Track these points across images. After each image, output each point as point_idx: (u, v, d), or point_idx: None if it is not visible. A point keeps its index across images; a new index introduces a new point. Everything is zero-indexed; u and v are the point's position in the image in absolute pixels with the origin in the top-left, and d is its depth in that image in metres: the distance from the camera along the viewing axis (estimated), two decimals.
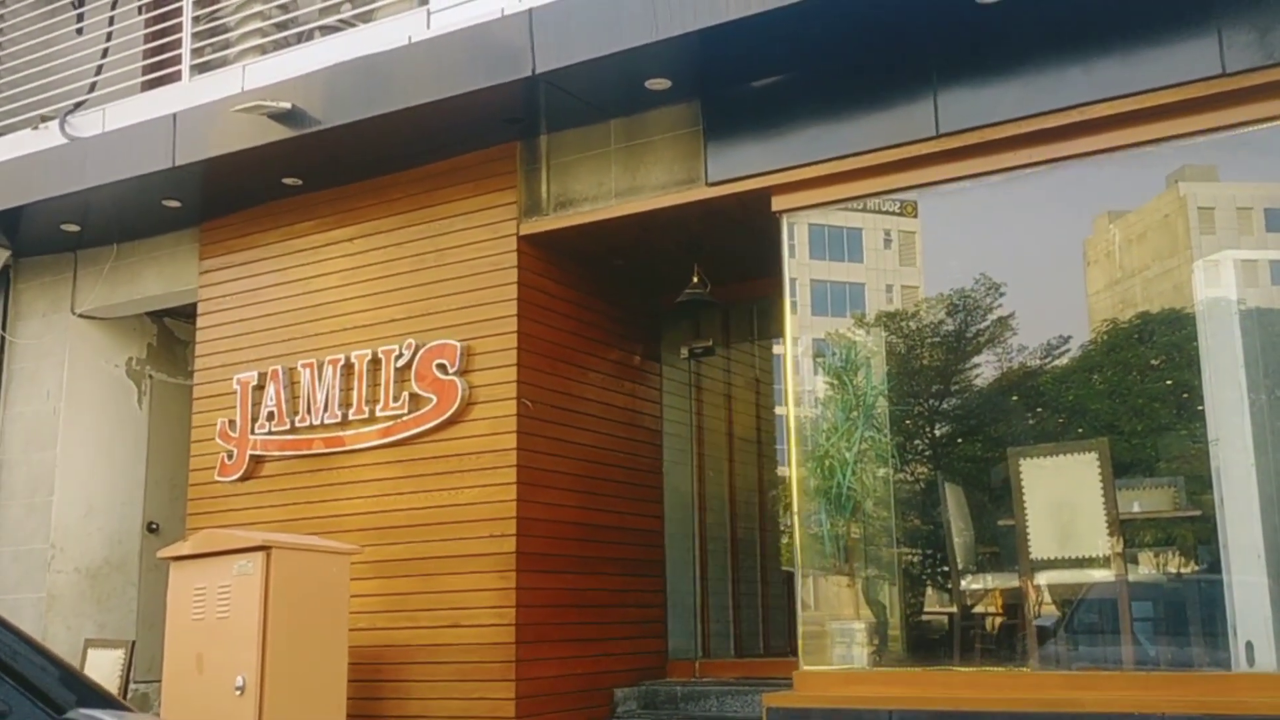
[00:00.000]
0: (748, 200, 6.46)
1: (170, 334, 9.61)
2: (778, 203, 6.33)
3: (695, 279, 7.57)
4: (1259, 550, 5.16)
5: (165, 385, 9.48)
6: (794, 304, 6.57)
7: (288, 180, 7.69)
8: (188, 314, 9.25)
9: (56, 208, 8.14)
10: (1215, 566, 5.37)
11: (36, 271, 9.18)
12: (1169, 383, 7.32)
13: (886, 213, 6.91)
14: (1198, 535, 5.93)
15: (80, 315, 8.97)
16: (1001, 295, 7.26)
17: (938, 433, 7.74)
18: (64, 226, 8.42)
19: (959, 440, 7.95)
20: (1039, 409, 7.60)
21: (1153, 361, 7.16)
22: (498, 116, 6.86)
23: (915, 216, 6.91)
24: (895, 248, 7.42)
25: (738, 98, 6.44)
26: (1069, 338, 7.32)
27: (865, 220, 7.15)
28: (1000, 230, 6.62)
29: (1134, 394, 7.25)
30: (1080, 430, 7.06)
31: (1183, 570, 6.18)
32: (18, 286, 9.24)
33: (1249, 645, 5.11)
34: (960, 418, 7.89)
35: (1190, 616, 5.66)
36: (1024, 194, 6.13)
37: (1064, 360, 7.32)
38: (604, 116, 6.84)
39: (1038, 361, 7.41)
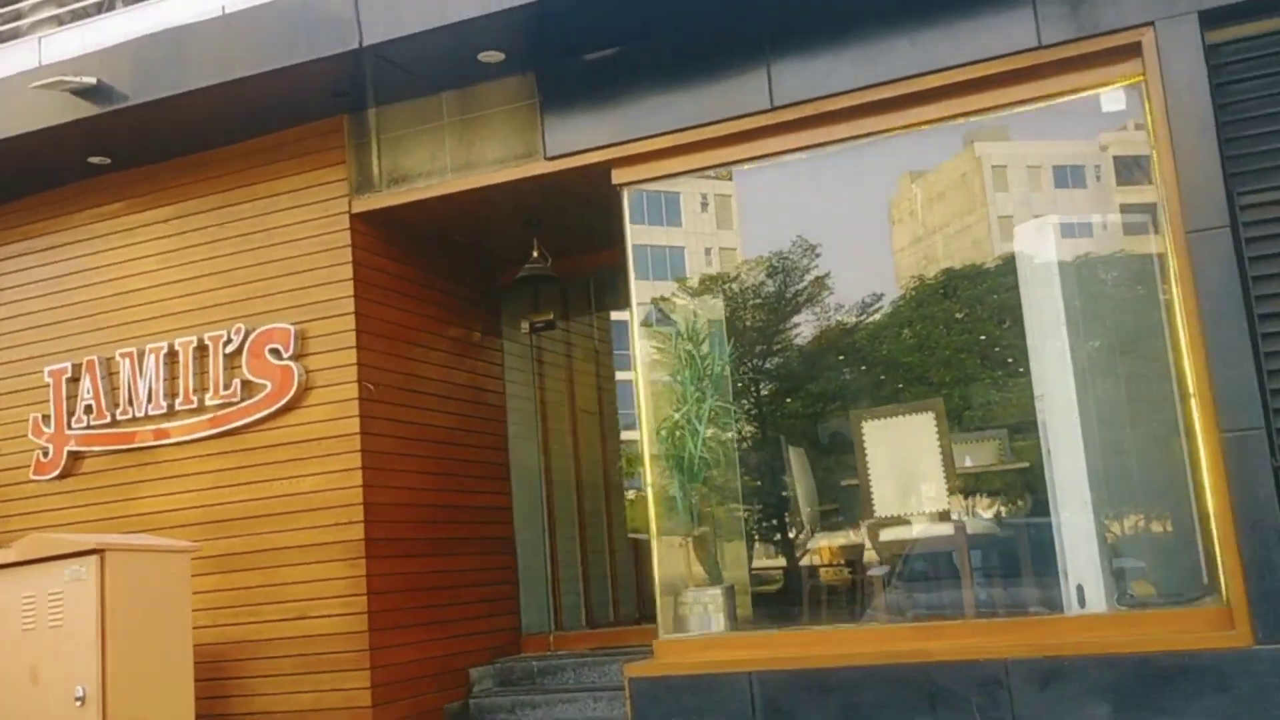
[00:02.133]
0: (587, 174, 6.41)
1: None
2: (618, 176, 6.32)
3: (535, 253, 7.50)
4: (1085, 499, 5.48)
5: None
6: (635, 275, 6.57)
7: (94, 159, 7.23)
8: None
9: None
10: (1045, 517, 5.69)
11: None
12: (982, 337, 7.68)
13: (703, 176, 6.93)
14: (1026, 485, 6.26)
15: None
16: (818, 256, 7.45)
17: (777, 396, 7.92)
18: None
19: (788, 399, 8.15)
20: (858, 365, 7.84)
21: (957, 315, 7.46)
22: (323, 90, 6.61)
23: (730, 179, 6.97)
24: (712, 211, 7.50)
25: (573, 71, 6.37)
26: (881, 295, 7.55)
27: (681, 184, 7.13)
28: (812, 191, 6.71)
29: (941, 347, 7.55)
30: (899, 385, 7.33)
31: (1015, 519, 6.52)
32: None
33: (1079, 588, 5.44)
34: (782, 376, 8.08)
35: (1024, 563, 5.98)
36: (833, 155, 6.20)
37: (877, 317, 7.55)
38: (436, 89, 6.67)
39: (853, 319, 7.62)
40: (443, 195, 6.70)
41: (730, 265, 7.70)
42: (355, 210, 6.85)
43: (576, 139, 6.34)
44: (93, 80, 6.53)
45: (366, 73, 6.45)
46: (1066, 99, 5.62)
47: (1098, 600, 5.37)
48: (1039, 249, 6.00)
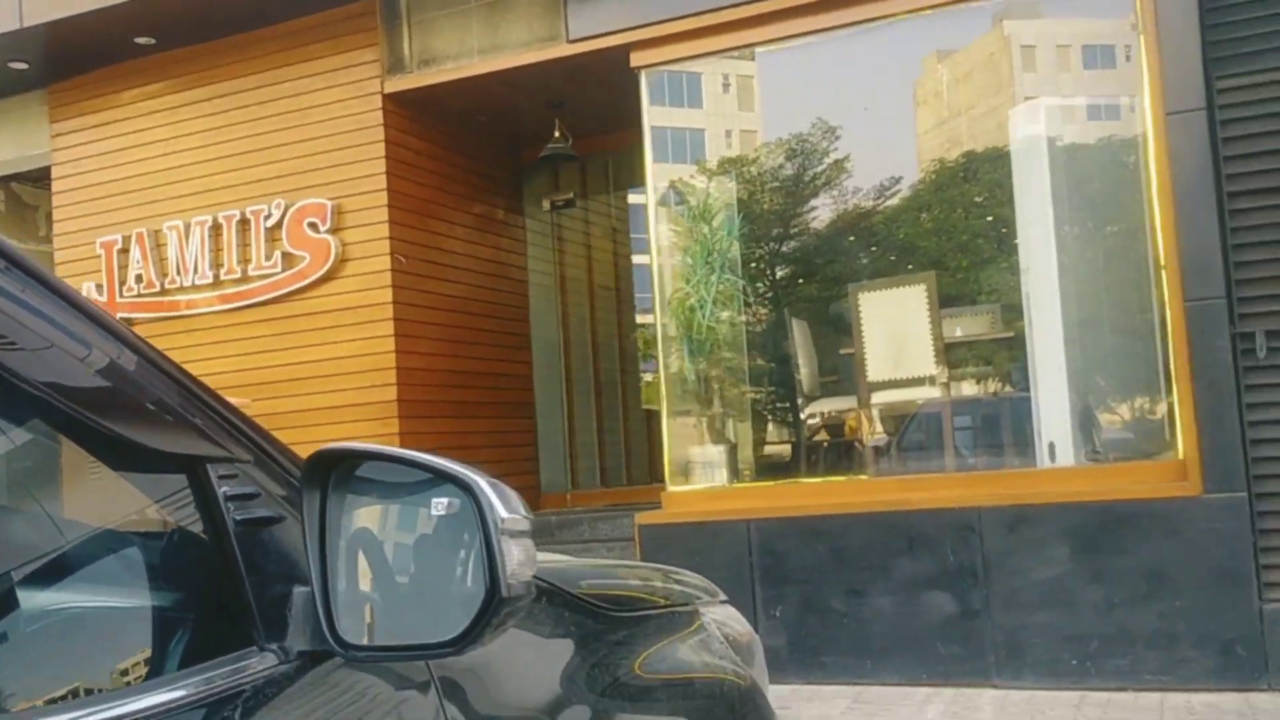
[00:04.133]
0: (608, 56, 6.76)
1: (18, 199, 9.42)
2: (637, 59, 6.66)
3: (557, 134, 7.88)
4: (1061, 365, 5.95)
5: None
6: (653, 156, 6.95)
7: (140, 40, 7.61)
8: (35, 178, 9.09)
9: None
10: (1025, 382, 6.16)
11: None
12: (989, 219, 7.90)
13: (725, 57, 7.11)
14: (1011, 355, 6.71)
15: None
16: (838, 139, 7.51)
17: (779, 274, 8.28)
18: None
19: (800, 280, 8.42)
20: (873, 248, 8.07)
21: (976, 199, 7.57)
22: None
23: (753, 60, 7.19)
24: (734, 92, 7.67)
25: None
26: (900, 178, 7.63)
27: (704, 65, 7.23)
28: (836, 71, 6.87)
29: (959, 231, 7.72)
30: (910, 267, 7.64)
31: (998, 387, 6.99)
32: None
33: (1051, 445, 5.94)
34: (800, 259, 8.32)
35: (1003, 425, 6.47)
36: (858, 35, 6.43)
37: (895, 200, 7.64)
38: None
39: (871, 202, 7.71)
40: (469, 77, 7.08)
41: (750, 148, 7.85)
42: (387, 90, 7.24)
43: (598, 22, 6.68)
44: None
45: None
46: None
47: (1067, 456, 5.88)
48: (1030, 131, 6.33)
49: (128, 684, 1.10)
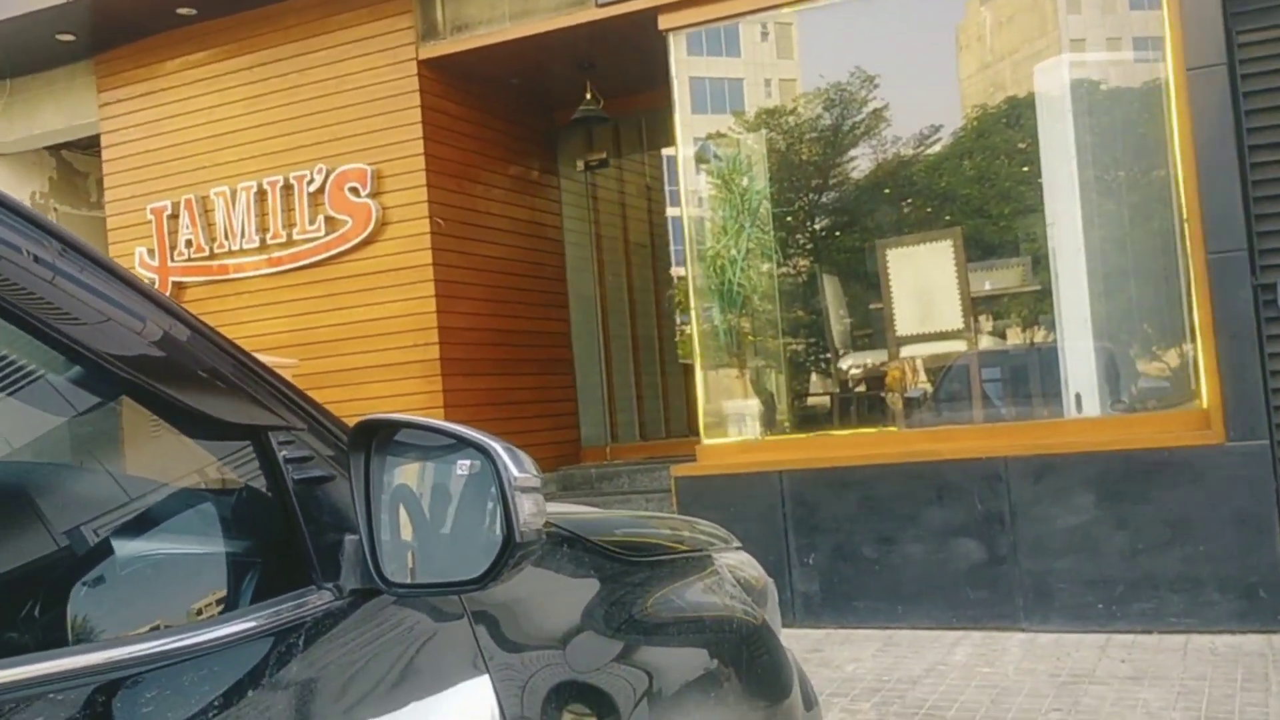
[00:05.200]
0: (636, 19, 6.88)
1: (70, 166, 9.71)
2: (664, 21, 6.77)
3: (588, 96, 8.00)
4: (1086, 317, 6.05)
5: (72, 217, 9.64)
6: (691, 108, 7.04)
7: (182, 10, 7.80)
8: (84, 146, 9.36)
9: None
10: (1051, 334, 6.27)
11: None
12: (1025, 169, 7.84)
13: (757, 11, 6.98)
14: (1038, 308, 6.79)
15: None
16: (877, 86, 7.39)
17: (817, 226, 8.34)
18: None
19: (837, 233, 8.42)
20: (910, 199, 8.00)
21: (1020, 145, 7.31)
22: None
23: (793, 6, 7.13)
24: (773, 40, 7.62)
25: None
26: (941, 126, 7.48)
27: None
28: (877, 17, 6.84)
29: (1001, 178, 7.63)
30: (949, 216, 7.59)
31: (1025, 340, 7.07)
32: None
33: (1078, 396, 6.06)
34: (836, 210, 8.29)
35: (1030, 377, 6.57)
36: None
37: (936, 148, 7.54)
38: None
39: (911, 151, 7.62)
40: (501, 42, 7.21)
41: (790, 97, 7.73)
42: (422, 56, 7.40)
43: None
44: None
45: None
46: None
47: (1093, 406, 5.99)
48: (1053, 85, 6.37)
49: (207, 617, 1.30)
